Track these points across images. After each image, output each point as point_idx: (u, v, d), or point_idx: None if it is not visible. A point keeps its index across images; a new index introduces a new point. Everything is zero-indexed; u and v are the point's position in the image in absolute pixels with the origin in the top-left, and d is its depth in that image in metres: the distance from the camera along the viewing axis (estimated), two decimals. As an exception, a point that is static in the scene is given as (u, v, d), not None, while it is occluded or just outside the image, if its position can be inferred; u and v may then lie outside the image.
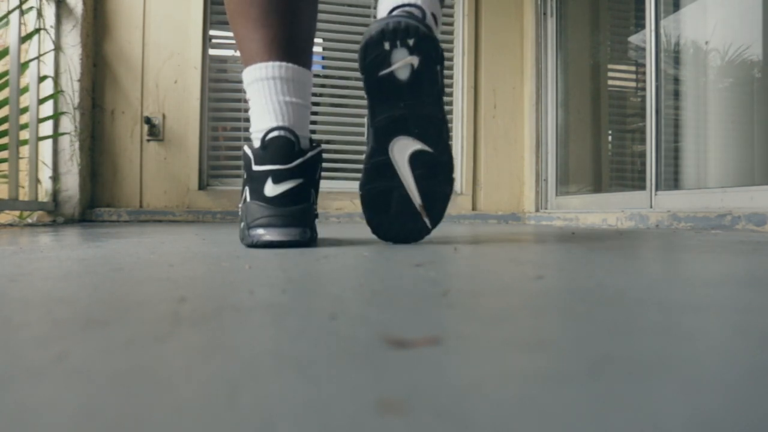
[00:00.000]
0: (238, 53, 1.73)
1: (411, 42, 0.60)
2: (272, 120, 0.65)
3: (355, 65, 2.02)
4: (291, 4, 0.67)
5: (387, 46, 0.60)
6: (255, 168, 0.63)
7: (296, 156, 0.63)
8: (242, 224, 0.66)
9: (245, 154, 0.65)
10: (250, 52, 0.67)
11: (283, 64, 0.66)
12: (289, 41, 0.67)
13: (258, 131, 0.66)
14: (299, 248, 0.61)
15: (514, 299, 0.28)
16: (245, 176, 0.65)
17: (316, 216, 0.69)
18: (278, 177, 0.62)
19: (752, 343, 0.19)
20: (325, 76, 2.16)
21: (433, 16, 0.68)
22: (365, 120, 0.74)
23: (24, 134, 1.66)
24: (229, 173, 2.04)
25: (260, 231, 0.61)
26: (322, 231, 1.10)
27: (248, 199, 0.64)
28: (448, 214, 2.08)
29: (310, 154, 0.65)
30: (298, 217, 0.62)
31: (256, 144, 0.65)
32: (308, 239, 0.63)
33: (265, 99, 0.66)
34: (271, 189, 0.62)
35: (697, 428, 0.11)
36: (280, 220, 0.61)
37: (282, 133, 0.63)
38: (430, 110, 0.64)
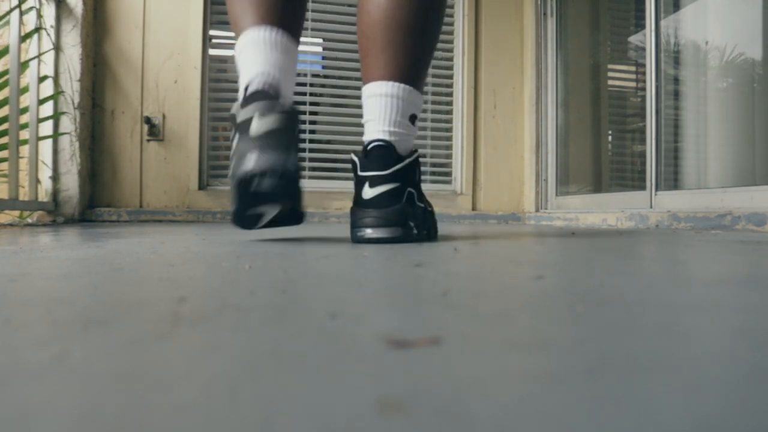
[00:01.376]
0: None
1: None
2: (257, 68, 0.70)
3: (356, 65, 2.02)
4: None
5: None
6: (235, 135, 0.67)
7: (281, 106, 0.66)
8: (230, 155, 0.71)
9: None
10: (241, 23, 0.73)
11: (274, 28, 0.72)
12: (281, 12, 0.73)
13: (243, 84, 0.70)
14: (291, 241, 0.61)
15: (514, 299, 0.28)
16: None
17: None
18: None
19: (752, 343, 0.19)
20: (325, 76, 2.16)
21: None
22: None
23: (24, 134, 1.66)
24: (229, 173, 2.04)
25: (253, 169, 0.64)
26: (323, 231, 1.10)
27: (236, 140, 0.67)
28: (449, 214, 2.08)
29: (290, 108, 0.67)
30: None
31: (240, 97, 0.69)
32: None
33: (255, 52, 0.71)
34: (256, 126, 0.64)
35: (697, 429, 0.11)
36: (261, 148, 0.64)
37: (264, 79, 0.68)
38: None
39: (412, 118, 0.76)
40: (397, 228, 0.70)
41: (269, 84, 0.68)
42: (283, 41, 0.73)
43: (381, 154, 0.72)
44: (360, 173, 0.72)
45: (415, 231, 0.73)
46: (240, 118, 0.65)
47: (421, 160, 2.22)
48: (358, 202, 0.72)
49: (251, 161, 0.62)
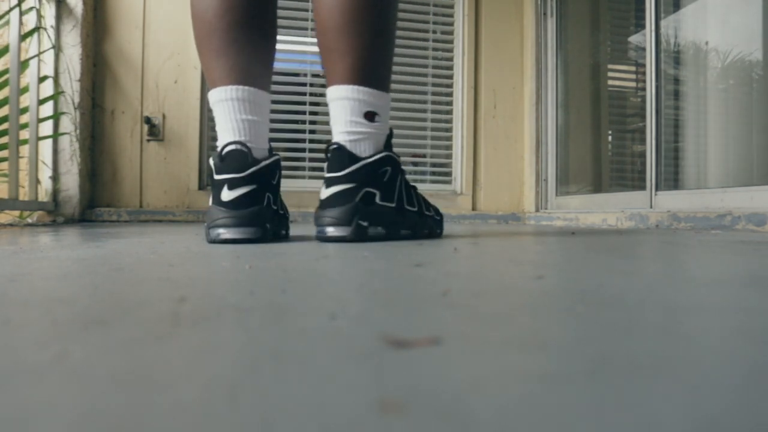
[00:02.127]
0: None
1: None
2: (230, 136, 0.75)
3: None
4: (247, 42, 0.75)
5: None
6: (215, 177, 0.73)
7: (249, 166, 0.73)
8: (205, 224, 0.75)
9: (208, 165, 0.75)
10: (213, 77, 0.76)
11: (241, 87, 0.75)
12: (247, 68, 0.76)
13: (219, 146, 0.75)
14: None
15: (514, 299, 0.28)
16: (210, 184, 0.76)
17: (284, 216, 0.83)
18: (233, 184, 0.72)
19: (752, 344, 0.19)
20: (325, 76, 2.16)
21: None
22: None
23: (24, 134, 1.66)
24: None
25: (219, 230, 0.71)
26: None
27: (210, 203, 0.74)
28: (449, 214, 2.08)
29: (263, 163, 0.74)
30: (250, 218, 0.71)
31: (217, 152, 0.74)
32: (261, 237, 0.72)
33: (225, 117, 0.75)
34: (226, 194, 0.72)
35: (697, 429, 0.11)
36: (234, 221, 0.71)
37: (236, 146, 0.73)
38: None
39: (370, 116, 0.76)
40: (346, 227, 0.73)
41: (239, 150, 0.73)
42: (250, 97, 0.76)
43: (335, 156, 0.75)
44: (324, 175, 0.76)
45: (368, 229, 0.75)
46: (215, 176, 0.73)
47: (421, 160, 2.22)
48: (319, 202, 0.77)
49: (222, 233, 0.71)
